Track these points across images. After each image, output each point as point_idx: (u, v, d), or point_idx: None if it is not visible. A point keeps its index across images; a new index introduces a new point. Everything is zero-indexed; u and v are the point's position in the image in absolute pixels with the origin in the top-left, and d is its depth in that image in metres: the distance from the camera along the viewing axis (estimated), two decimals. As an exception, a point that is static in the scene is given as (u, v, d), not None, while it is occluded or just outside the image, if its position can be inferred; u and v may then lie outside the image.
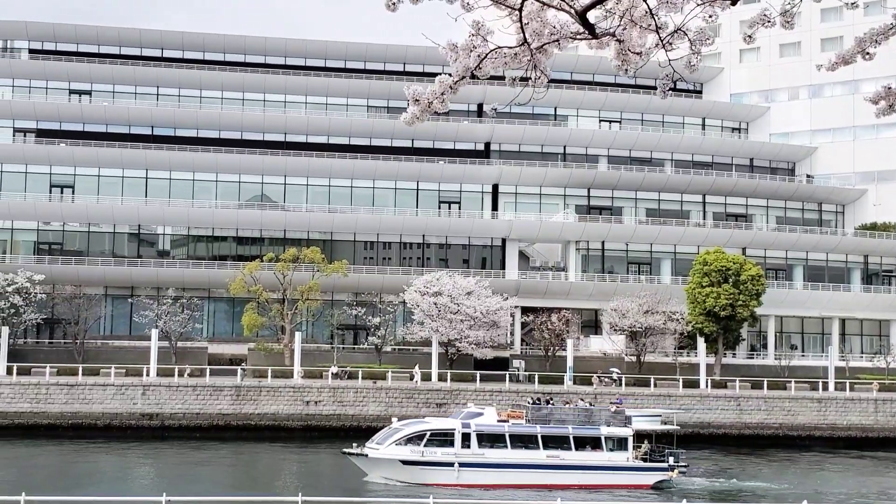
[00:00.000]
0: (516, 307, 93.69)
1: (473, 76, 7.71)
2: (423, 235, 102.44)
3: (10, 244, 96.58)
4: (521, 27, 7.54)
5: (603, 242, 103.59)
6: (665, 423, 60.91)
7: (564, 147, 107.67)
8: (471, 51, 7.64)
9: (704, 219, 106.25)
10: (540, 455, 55.44)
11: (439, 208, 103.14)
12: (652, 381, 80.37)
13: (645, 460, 56.73)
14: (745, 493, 54.50)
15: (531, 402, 62.07)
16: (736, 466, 63.59)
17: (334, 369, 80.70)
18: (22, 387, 73.54)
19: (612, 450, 56.61)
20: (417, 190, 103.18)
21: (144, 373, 77.61)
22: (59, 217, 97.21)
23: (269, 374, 79.19)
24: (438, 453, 54.12)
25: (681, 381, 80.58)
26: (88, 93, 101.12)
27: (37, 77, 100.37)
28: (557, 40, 7.61)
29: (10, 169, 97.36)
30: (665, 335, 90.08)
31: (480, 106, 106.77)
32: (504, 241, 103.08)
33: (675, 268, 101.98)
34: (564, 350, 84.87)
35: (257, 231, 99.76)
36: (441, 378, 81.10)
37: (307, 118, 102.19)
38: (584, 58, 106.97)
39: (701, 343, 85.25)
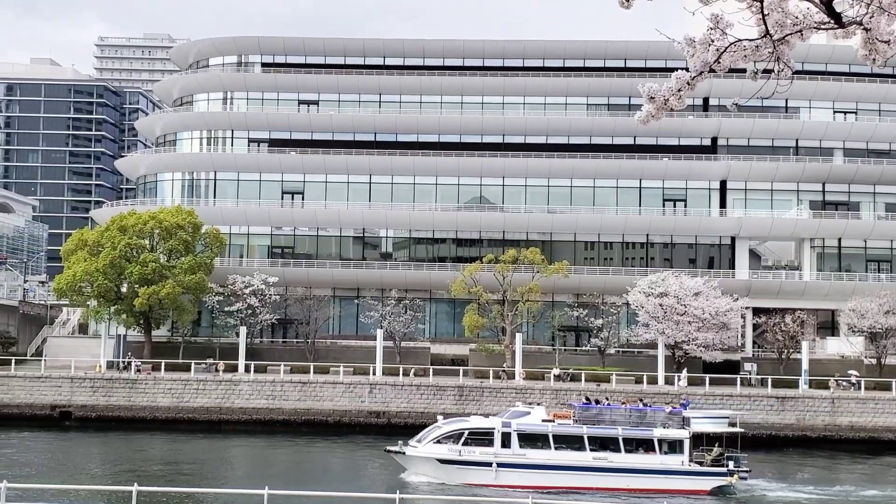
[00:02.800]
0: (747, 308, 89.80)
1: (711, 70, 7.56)
2: (647, 235, 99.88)
3: (247, 248, 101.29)
4: (763, 18, 7.37)
5: (839, 239, 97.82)
6: (732, 426, 56.43)
7: (797, 140, 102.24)
8: (709, 45, 7.46)
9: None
10: (585, 457, 52.64)
11: (663, 206, 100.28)
12: (894, 385, 74.87)
13: (717, 465, 52.82)
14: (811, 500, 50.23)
15: (583, 401, 59.41)
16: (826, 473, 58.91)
17: (556, 371, 79.81)
18: (259, 384, 76.74)
19: (666, 453, 53.02)
20: (640, 188, 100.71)
21: (371, 372, 79.34)
22: (290, 222, 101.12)
23: (491, 375, 79.24)
24: (476, 453, 52.37)
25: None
26: (316, 102, 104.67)
27: (269, 89, 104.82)
28: (801, 30, 7.42)
29: (246, 177, 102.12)
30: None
31: (706, 100, 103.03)
32: (733, 239, 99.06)
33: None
34: (799, 353, 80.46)
35: (476, 233, 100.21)
36: (668, 381, 78.61)
37: (525, 119, 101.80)
38: (815, 47, 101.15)
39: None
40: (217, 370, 79.43)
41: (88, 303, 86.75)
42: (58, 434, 71.61)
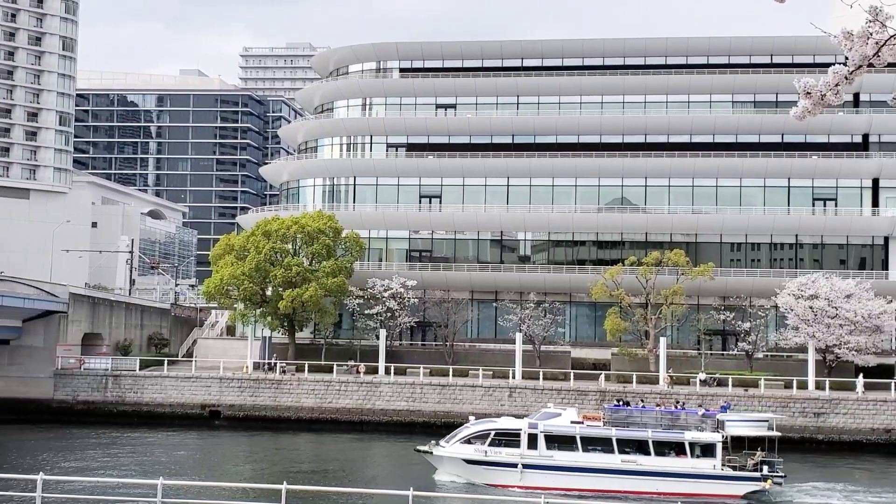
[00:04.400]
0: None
1: (870, 65, 7.34)
2: (796, 235, 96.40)
3: (386, 252, 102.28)
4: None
5: None
6: (771, 430, 54.12)
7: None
8: (867, 38, 7.22)
9: None
10: (614, 459, 51.53)
11: (813, 206, 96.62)
12: None
13: (757, 469, 50.86)
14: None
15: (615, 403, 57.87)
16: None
17: (702, 376, 77.71)
18: (399, 386, 77.29)
19: (698, 456, 51.29)
20: (788, 187, 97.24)
21: (510, 375, 78.87)
22: (427, 225, 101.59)
23: (634, 380, 77.74)
24: (503, 453, 51.87)
25: None
26: (453, 106, 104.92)
27: (407, 94, 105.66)
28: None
29: (385, 182, 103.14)
30: None
31: (856, 95, 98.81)
32: (886, 239, 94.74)
33: None
34: (963, 358, 76.05)
35: (618, 234, 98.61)
36: (818, 386, 75.51)
37: (668, 118, 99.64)
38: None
39: None
40: (358, 372, 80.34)
41: (235, 305, 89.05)
42: (208, 432, 73.68)
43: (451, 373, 79.08)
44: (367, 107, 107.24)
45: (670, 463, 51.57)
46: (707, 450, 51.71)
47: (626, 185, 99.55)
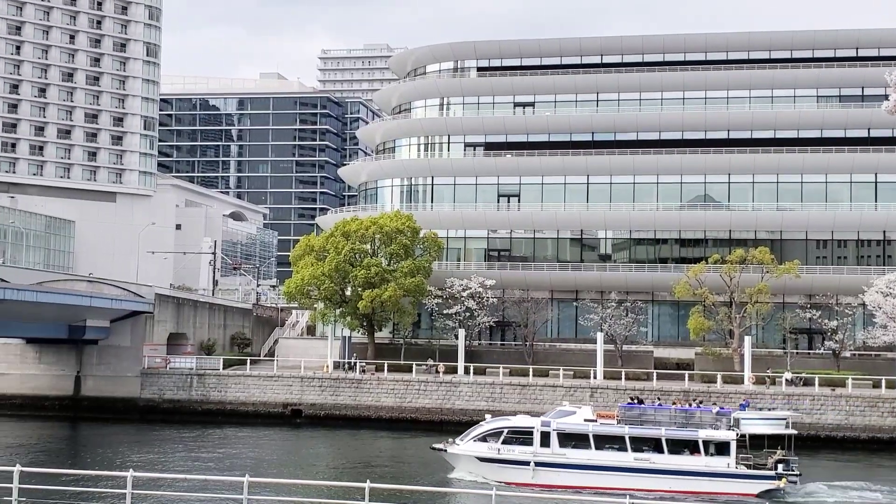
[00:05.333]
0: None
1: None
2: (884, 231, 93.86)
3: (464, 252, 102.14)
4: None
5: None
6: (788, 428, 52.79)
7: None
8: None
9: None
10: (627, 458, 51.05)
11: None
12: None
13: (778, 467, 49.86)
14: None
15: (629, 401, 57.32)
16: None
17: (788, 375, 76.10)
18: (479, 386, 77.11)
19: (712, 454, 50.44)
20: (876, 182, 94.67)
21: (591, 375, 78.17)
22: (506, 225, 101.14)
23: (719, 380, 76.45)
24: (516, 451, 51.71)
25: None
26: (532, 104, 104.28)
27: (484, 93, 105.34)
28: None
29: (462, 181, 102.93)
30: None
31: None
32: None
33: None
34: None
35: (700, 232, 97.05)
36: (910, 387, 73.38)
37: (751, 113, 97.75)
38: None
39: None
40: (437, 372, 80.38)
41: (315, 305, 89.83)
42: (290, 431, 74.43)
43: (531, 373, 78.64)
44: (445, 106, 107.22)
45: (684, 461, 51.24)
46: (721, 448, 51.27)
47: (709, 182, 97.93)
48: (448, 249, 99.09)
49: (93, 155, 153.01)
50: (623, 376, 77.70)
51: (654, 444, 51.61)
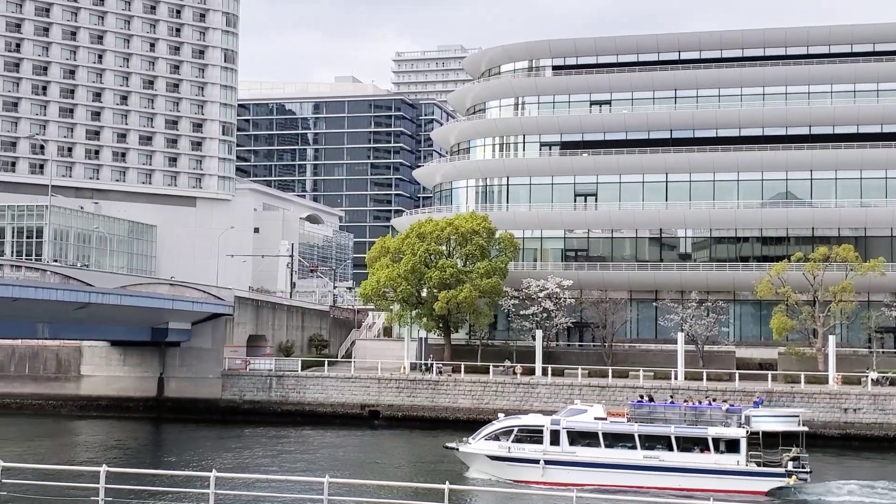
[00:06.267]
0: None
1: None
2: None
3: (540, 252, 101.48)
4: None
5: None
6: (800, 425, 52.46)
7: None
8: None
9: None
10: (636, 455, 51.13)
11: None
12: None
13: (789, 465, 49.60)
14: None
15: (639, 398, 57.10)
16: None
17: (874, 375, 74.07)
18: (557, 387, 76.56)
19: (722, 452, 50.52)
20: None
21: (672, 376, 77.13)
22: (583, 224, 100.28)
23: (802, 380, 74.82)
24: (526, 450, 51.93)
25: None
26: (608, 102, 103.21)
27: (560, 92, 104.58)
28: None
29: (538, 181, 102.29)
30: None
31: None
32: None
33: None
34: None
35: (783, 230, 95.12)
36: None
37: (833, 108, 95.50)
38: None
39: None
40: (515, 373, 79.96)
41: (392, 307, 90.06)
42: (367, 432, 74.72)
43: (610, 374, 77.81)
44: (520, 106, 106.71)
45: (693, 459, 51.04)
46: (731, 445, 50.88)
47: (791, 179, 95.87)
48: (524, 250, 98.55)
49: (173, 160, 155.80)
50: (704, 377, 76.49)
51: (664, 442, 51.68)
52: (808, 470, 50.01)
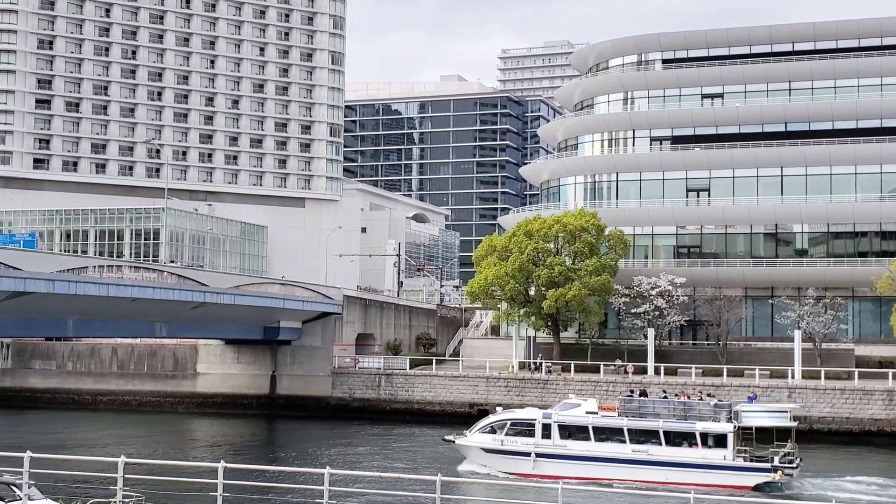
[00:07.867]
0: None
1: None
2: None
3: (651, 249, 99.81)
4: None
5: None
6: (794, 420, 53.11)
7: None
8: None
9: None
10: (625, 449, 51.82)
11: None
12: None
13: (782, 461, 49.73)
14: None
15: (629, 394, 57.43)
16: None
17: None
18: (670, 386, 74.96)
19: (710, 447, 50.92)
20: None
21: (789, 375, 75.00)
22: (695, 220, 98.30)
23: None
24: (518, 442, 53.08)
25: None
26: (720, 95, 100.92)
27: (670, 86, 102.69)
28: None
29: (649, 176, 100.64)
30: None
31: None
32: None
33: None
34: None
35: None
36: None
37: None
38: None
39: None
40: (626, 372, 78.82)
41: (499, 306, 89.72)
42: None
43: (724, 373, 76.03)
44: (629, 101, 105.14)
45: (681, 453, 51.20)
46: (719, 440, 50.93)
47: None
48: (634, 247, 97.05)
49: (283, 163, 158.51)
50: (822, 375, 74.13)
51: (653, 436, 51.93)
52: (795, 465, 50.13)
